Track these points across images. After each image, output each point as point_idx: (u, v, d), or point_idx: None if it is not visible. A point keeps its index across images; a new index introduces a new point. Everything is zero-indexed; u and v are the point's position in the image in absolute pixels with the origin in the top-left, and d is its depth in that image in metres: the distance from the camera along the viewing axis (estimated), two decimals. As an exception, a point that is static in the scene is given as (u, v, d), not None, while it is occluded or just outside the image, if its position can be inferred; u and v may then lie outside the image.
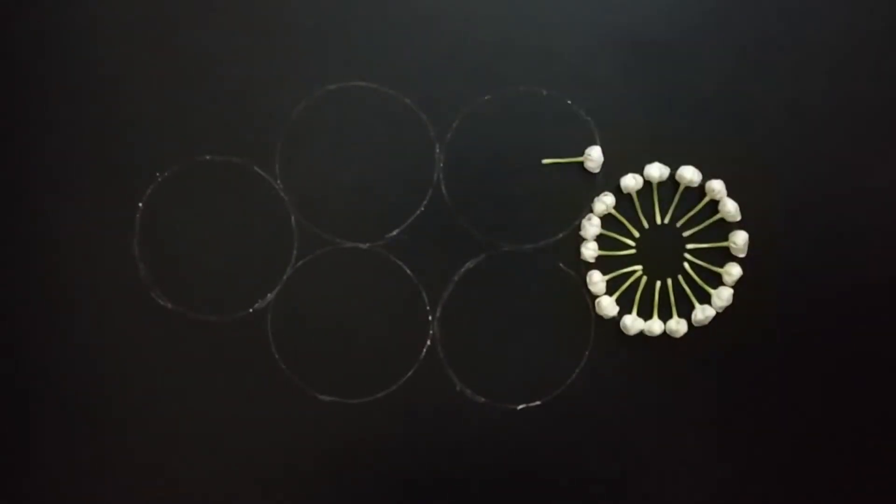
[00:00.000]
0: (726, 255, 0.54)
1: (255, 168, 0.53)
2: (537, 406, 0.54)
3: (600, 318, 0.54)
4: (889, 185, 0.53)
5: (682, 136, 0.53)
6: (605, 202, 0.53)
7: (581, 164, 0.53)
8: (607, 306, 0.53)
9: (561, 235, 0.54)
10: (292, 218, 0.53)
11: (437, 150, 0.53)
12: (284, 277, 0.53)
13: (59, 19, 0.53)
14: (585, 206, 0.54)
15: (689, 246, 0.54)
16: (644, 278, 0.54)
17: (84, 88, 0.53)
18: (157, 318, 0.53)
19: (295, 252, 0.54)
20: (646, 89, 0.53)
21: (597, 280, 0.53)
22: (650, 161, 0.53)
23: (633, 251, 0.54)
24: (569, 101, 0.53)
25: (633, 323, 0.53)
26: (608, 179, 0.54)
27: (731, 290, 0.53)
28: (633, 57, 0.53)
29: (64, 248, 0.53)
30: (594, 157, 0.53)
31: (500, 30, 0.53)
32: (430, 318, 0.54)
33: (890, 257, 0.54)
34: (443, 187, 0.53)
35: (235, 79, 0.53)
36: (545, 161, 0.53)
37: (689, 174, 0.53)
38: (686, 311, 0.54)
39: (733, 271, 0.53)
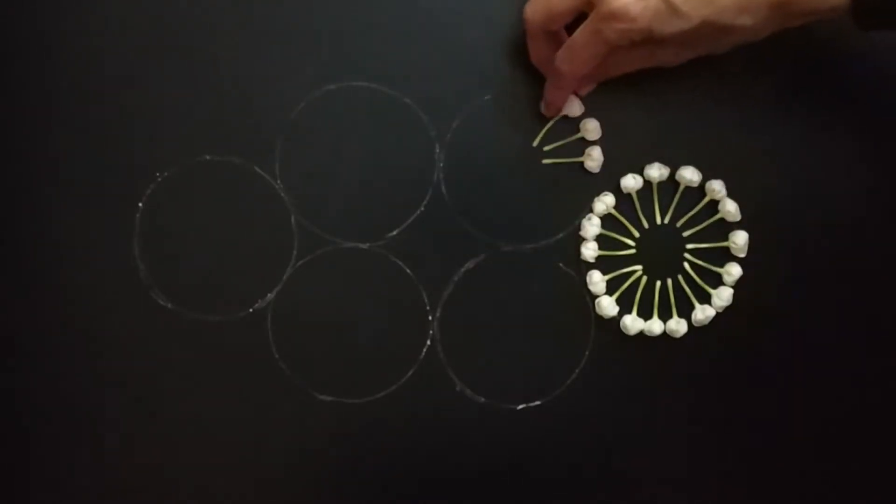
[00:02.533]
0: (726, 255, 0.54)
1: (255, 168, 0.53)
2: (537, 406, 0.54)
3: (600, 318, 0.54)
4: (890, 184, 0.53)
5: (682, 136, 0.53)
6: (605, 202, 0.53)
7: (581, 164, 0.53)
8: (607, 306, 0.53)
9: (561, 235, 0.54)
10: (292, 218, 0.53)
11: (437, 150, 0.53)
12: (284, 277, 0.53)
13: (59, 19, 0.53)
14: (585, 206, 0.54)
15: (689, 246, 0.54)
16: (644, 278, 0.54)
17: (84, 88, 0.53)
18: (156, 318, 0.53)
19: (295, 252, 0.54)
20: (646, 89, 0.53)
21: (597, 280, 0.53)
22: (650, 161, 0.53)
23: (633, 251, 0.54)
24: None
25: (633, 323, 0.53)
26: (608, 179, 0.54)
27: (731, 290, 0.53)
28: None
29: (64, 248, 0.53)
30: (594, 157, 0.53)
31: (501, 30, 0.53)
32: (430, 318, 0.54)
33: (890, 257, 0.54)
34: (443, 187, 0.53)
35: (235, 79, 0.53)
36: (545, 161, 0.53)
37: (689, 174, 0.53)
38: (686, 311, 0.54)
39: (733, 271, 0.53)
